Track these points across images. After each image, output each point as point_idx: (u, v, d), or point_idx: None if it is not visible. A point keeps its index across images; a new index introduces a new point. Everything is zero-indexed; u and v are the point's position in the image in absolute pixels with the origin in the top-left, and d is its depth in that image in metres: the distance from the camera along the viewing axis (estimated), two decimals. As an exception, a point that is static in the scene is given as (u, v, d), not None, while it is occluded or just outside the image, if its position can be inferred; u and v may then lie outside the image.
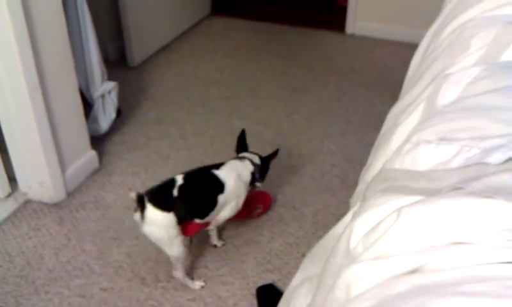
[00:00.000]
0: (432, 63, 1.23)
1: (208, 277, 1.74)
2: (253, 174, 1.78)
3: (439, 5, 1.74)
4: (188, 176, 1.64)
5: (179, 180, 1.61)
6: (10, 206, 2.02)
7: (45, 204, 2.04)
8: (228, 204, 1.71)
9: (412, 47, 1.70)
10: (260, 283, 1.71)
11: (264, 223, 1.97)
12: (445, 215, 0.63)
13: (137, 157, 2.36)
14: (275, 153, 1.88)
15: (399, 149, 0.90)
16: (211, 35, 3.70)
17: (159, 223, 1.55)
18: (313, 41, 3.61)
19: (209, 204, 1.66)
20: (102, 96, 2.35)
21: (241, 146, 1.88)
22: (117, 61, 3.17)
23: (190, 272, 1.75)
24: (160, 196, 1.57)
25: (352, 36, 3.67)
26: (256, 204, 1.99)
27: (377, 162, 1.06)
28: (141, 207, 1.52)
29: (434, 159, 0.79)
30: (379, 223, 0.70)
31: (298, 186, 2.17)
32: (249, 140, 2.47)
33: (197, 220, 1.67)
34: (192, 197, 1.63)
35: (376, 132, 1.37)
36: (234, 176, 1.71)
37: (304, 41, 3.60)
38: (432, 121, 0.90)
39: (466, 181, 0.67)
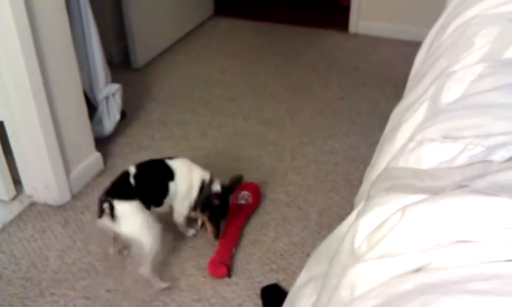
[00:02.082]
0: (436, 61, 1.23)
1: (213, 278, 1.74)
2: (202, 183, 1.78)
3: (442, 3, 1.73)
4: (140, 165, 1.70)
5: (132, 170, 1.67)
6: (15, 208, 2.03)
7: (50, 206, 2.05)
8: (180, 198, 1.75)
9: (415, 46, 1.70)
10: (265, 283, 1.71)
11: (268, 223, 1.97)
12: (450, 214, 0.63)
13: (142, 158, 2.34)
14: (237, 181, 1.87)
15: (403, 148, 0.90)
16: (214, 36, 3.70)
17: (131, 213, 1.59)
18: (316, 41, 3.61)
19: (162, 191, 1.71)
20: (106, 98, 2.35)
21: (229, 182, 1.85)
22: (121, 63, 3.18)
23: (160, 270, 1.74)
24: (121, 189, 1.63)
25: (356, 35, 3.67)
26: (241, 191, 2.01)
27: (381, 161, 1.06)
28: (110, 209, 1.56)
29: (438, 157, 0.79)
30: (383, 222, 0.70)
31: (302, 186, 2.17)
32: (253, 140, 2.48)
33: (155, 208, 1.70)
34: (146, 184, 1.68)
35: (380, 131, 1.36)
36: (186, 168, 1.77)
37: (307, 41, 3.60)
38: (436, 119, 0.90)
39: (470, 179, 0.67)
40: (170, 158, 1.78)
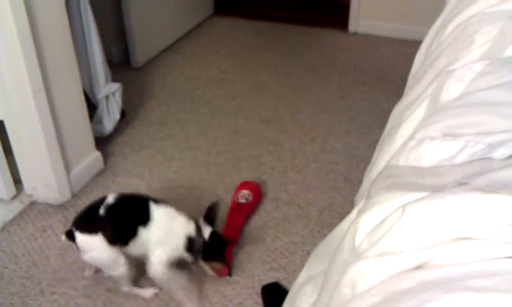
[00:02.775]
0: (436, 59, 1.23)
1: (213, 277, 1.74)
2: (189, 239, 1.61)
3: (442, 2, 1.73)
4: (120, 197, 1.59)
5: (110, 199, 1.56)
6: (16, 207, 2.03)
7: (51, 205, 2.05)
8: (153, 249, 1.58)
9: (415, 44, 1.70)
10: (266, 282, 1.71)
11: (268, 222, 1.97)
12: (450, 211, 0.63)
13: (142, 158, 2.36)
14: (214, 210, 1.73)
15: (403, 146, 0.90)
16: (214, 35, 3.70)
17: (92, 247, 1.54)
18: (316, 40, 3.61)
19: (129, 231, 1.56)
20: (106, 97, 2.35)
21: (208, 217, 1.69)
22: (121, 62, 3.18)
23: (138, 279, 1.71)
24: (86, 220, 1.57)
25: (355, 34, 3.67)
26: (241, 190, 2.01)
27: (381, 160, 1.06)
28: (71, 238, 1.54)
29: (438, 155, 0.79)
30: (384, 220, 0.70)
31: (302, 184, 2.17)
32: (253, 139, 2.48)
33: (123, 248, 1.57)
34: (115, 220, 1.56)
35: (380, 130, 1.36)
36: (166, 217, 1.60)
37: (307, 40, 3.60)
38: (436, 117, 0.90)
39: (471, 177, 0.67)
40: (156, 201, 1.61)
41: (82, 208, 1.63)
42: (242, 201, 2.00)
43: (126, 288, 1.65)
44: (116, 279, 1.64)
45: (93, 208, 1.57)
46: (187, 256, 1.63)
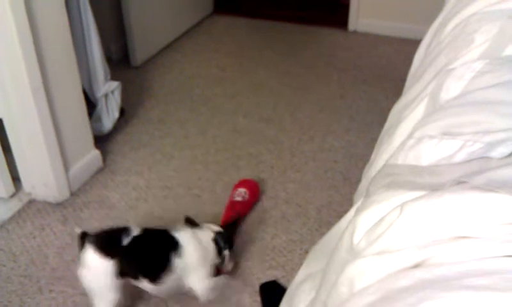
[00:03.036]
0: (436, 58, 1.23)
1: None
2: (215, 241, 1.62)
3: (441, 0, 1.73)
4: (147, 230, 1.52)
5: (135, 230, 1.48)
6: (14, 206, 2.03)
7: (49, 203, 2.05)
8: (193, 274, 1.54)
9: (415, 43, 1.70)
10: (264, 280, 1.71)
11: (267, 220, 1.97)
12: (449, 210, 0.63)
13: (141, 156, 2.36)
14: (236, 223, 1.79)
15: (402, 145, 0.90)
16: (214, 34, 3.70)
17: (97, 269, 1.44)
18: (315, 38, 3.61)
19: (161, 264, 1.48)
20: (105, 95, 2.35)
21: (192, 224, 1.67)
22: (120, 60, 3.18)
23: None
24: (106, 240, 1.46)
25: (355, 33, 3.67)
26: (238, 188, 2.02)
27: (380, 158, 1.06)
28: (82, 246, 1.44)
29: (437, 154, 0.79)
30: (382, 218, 0.70)
31: (301, 183, 2.17)
32: (253, 138, 2.48)
33: (145, 283, 1.49)
34: (144, 252, 1.50)
35: (379, 129, 1.36)
36: (193, 239, 1.56)
37: (306, 38, 3.60)
38: (435, 116, 0.90)
39: (469, 176, 0.67)
40: (178, 229, 1.57)
41: (105, 229, 1.52)
42: (238, 199, 1.99)
43: None
44: None
45: (115, 233, 1.48)
46: (217, 260, 1.62)
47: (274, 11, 4.05)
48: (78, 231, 1.46)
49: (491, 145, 0.73)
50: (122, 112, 2.49)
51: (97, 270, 1.44)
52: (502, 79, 0.91)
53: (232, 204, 1.97)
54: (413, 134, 0.89)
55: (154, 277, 1.48)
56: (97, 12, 2.26)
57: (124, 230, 1.48)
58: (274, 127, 2.57)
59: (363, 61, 3.26)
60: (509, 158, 0.69)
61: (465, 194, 0.63)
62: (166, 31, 3.42)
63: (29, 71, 1.78)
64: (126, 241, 1.45)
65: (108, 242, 1.46)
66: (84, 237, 1.45)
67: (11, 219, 1.98)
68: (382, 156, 1.04)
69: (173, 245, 1.51)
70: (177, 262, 1.49)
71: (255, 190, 2.06)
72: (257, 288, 1.69)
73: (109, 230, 1.52)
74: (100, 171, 2.25)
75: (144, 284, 1.50)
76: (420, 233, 0.63)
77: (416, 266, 0.60)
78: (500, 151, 0.70)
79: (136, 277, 1.48)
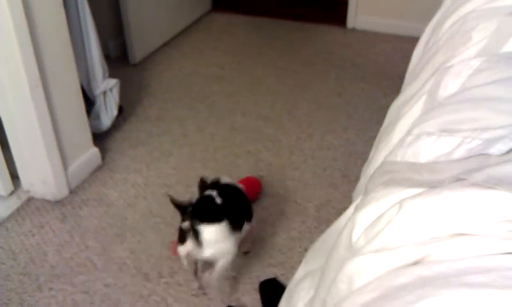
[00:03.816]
0: (434, 56, 1.23)
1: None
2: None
3: (440, -2, 1.73)
4: (220, 186, 1.60)
5: (214, 192, 1.55)
6: (13, 203, 2.03)
7: (48, 201, 2.05)
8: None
9: (413, 41, 1.70)
10: (263, 278, 1.71)
11: (266, 218, 1.97)
12: (447, 207, 0.63)
13: (139, 154, 2.36)
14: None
15: (400, 142, 0.90)
16: (212, 31, 3.69)
17: (218, 237, 1.49)
18: (314, 36, 3.61)
19: (241, 219, 1.60)
20: (104, 93, 2.35)
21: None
22: (118, 57, 3.17)
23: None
24: (208, 210, 1.52)
25: (353, 30, 3.67)
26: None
27: (379, 156, 1.06)
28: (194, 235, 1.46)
29: (436, 151, 0.79)
30: (381, 216, 0.70)
31: (300, 181, 2.18)
32: (251, 136, 2.48)
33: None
34: (233, 205, 1.58)
35: (378, 126, 1.36)
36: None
37: (305, 36, 3.60)
38: (433, 113, 0.90)
39: (468, 173, 0.67)
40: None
41: (195, 201, 1.54)
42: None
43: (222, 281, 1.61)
44: (223, 272, 1.55)
45: (206, 199, 1.54)
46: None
47: (273, 9, 4.04)
48: (185, 225, 1.47)
49: (490, 142, 0.73)
50: (120, 109, 2.49)
51: (218, 237, 1.49)
52: (500, 76, 0.91)
53: None
54: (412, 131, 0.89)
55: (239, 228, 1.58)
56: (95, 9, 2.26)
57: (208, 188, 1.57)
58: (273, 125, 2.57)
59: (362, 58, 3.26)
60: (508, 155, 0.69)
61: (464, 191, 0.63)
62: (164, 29, 3.41)
63: (27, 69, 1.78)
64: (219, 200, 1.53)
65: (209, 209, 1.52)
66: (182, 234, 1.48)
67: (10, 217, 1.98)
68: (381, 153, 1.04)
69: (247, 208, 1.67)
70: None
71: (254, 187, 2.06)
72: (257, 285, 1.69)
73: (201, 200, 1.56)
74: (98, 168, 2.25)
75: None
76: (419, 230, 0.63)
77: (415, 263, 0.60)
78: (498, 148, 0.71)
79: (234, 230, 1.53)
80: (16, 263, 1.78)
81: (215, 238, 1.48)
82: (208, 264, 1.57)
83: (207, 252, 1.48)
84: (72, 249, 1.84)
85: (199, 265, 1.63)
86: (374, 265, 0.63)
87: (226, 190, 1.59)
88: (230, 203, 1.55)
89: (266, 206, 2.03)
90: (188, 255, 1.52)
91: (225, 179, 1.66)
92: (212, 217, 1.48)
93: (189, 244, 1.47)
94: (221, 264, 1.52)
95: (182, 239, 1.49)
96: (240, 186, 1.69)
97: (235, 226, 1.53)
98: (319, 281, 0.81)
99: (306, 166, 2.27)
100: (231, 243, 1.51)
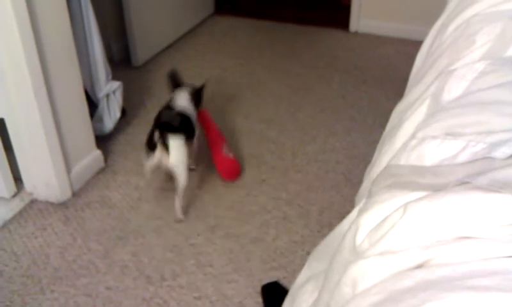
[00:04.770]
0: (437, 59, 1.23)
1: (213, 276, 1.74)
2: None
3: (443, 2, 1.73)
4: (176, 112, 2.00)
5: (173, 110, 2.00)
6: (16, 206, 2.03)
7: (51, 203, 2.05)
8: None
9: (416, 44, 1.70)
10: (266, 281, 1.71)
11: (268, 221, 1.97)
12: (451, 210, 0.63)
13: (142, 156, 2.36)
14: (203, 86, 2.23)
15: (404, 146, 0.90)
16: (215, 34, 3.70)
17: (181, 148, 1.91)
18: (317, 39, 3.61)
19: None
20: (107, 95, 2.35)
21: (174, 84, 2.21)
22: (121, 60, 3.18)
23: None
24: (172, 123, 1.92)
25: (356, 33, 3.67)
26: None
27: (382, 159, 1.05)
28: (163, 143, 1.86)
29: (440, 155, 0.79)
30: (385, 219, 0.70)
31: (303, 184, 2.17)
32: (253, 138, 2.48)
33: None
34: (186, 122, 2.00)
35: (381, 130, 1.36)
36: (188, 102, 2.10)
37: (308, 39, 3.60)
38: (437, 116, 0.90)
39: (472, 176, 0.67)
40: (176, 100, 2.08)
41: (160, 113, 2.00)
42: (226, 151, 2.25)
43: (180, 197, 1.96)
44: (183, 183, 1.93)
45: (170, 120, 1.94)
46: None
47: (275, 12, 4.05)
48: (157, 138, 1.87)
49: (494, 145, 0.73)
50: (123, 112, 2.50)
51: (181, 148, 1.90)
52: (504, 80, 0.91)
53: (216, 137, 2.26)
54: (416, 135, 0.89)
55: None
56: (98, 12, 2.27)
57: (169, 108, 2.03)
58: (276, 128, 2.57)
59: (365, 61, 3.26)
60: (512, 159, 0.69)
61: (468, 195, 0.63)
62: (167, 31, 3.42)
63: (31, 72, 1.79)
64: (178, 116, 1.97)
65: (174, 122, 1.93)
66: (152, 144, 1.89)
67: (13, 219, 1.98)
68: (384, 157, 1.04)
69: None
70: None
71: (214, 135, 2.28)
72: (259, 289, 1.69)
73: (164, 113, 2.00)
74: (101, 171, 2.25)
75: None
76: (423, 233, 0.63)
77: (419, 266, 0.60)
78: (503, 152, 0.70)
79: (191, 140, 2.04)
80: (19, 266, 1.79)
81: (177, 146, 1.88)
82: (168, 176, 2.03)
83: (172, 157, 1.87)
84: (74, 251, 1.84)
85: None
86: (378, 268, 0.63)
87: (180, 113, 2.00)
88: (184, 123, 1.97)
89: (269, 208, 2.03)
90: (156, 165, 1.92)
91: (180, 104, 2.05)
92: (176, 131, 1.89)
93: (158, 153, 1.88)
94: (180, 174, 1.92)
95: (151, 149, 1.90)
96: (191, 113, 2.07)
97: (187, 140, 1.96)
98: (323, 285, 0.81)
99: (309, 169, 2.27)
100: (185, 153, 1.92)
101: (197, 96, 2.17)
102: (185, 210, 2.02)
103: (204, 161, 2.33)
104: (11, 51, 1.75)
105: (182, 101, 2.07)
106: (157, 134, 1.86)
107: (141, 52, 3.16)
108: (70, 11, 1.98)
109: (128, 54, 3.15)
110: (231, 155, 2.23)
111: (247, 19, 3.93)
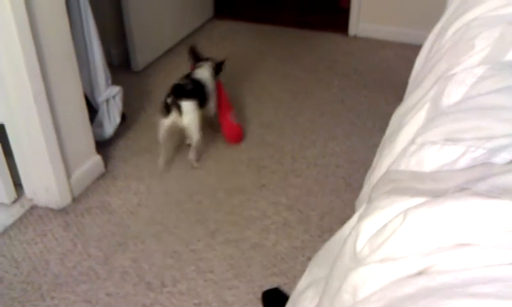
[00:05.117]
0: (436, 64, 1.23)
1: (214, 282, 1.74)
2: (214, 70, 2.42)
3: (442, 6, 1.73)
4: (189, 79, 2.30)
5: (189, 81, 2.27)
6: (16, 212, 2.03)
7: (51, 209, 2.05)
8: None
9: (416, 48, 1.69)
10: (266, 287, 1.71)
11: (268, 227, 1.97)
12: (452, 217, 0.62)
13: (142, 161, 2.36)
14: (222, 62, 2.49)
15: (404, 151, 0.90)
16: (214, 38, 3.70)
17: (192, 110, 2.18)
18: (316, 43, 3.61)
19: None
20: (107, 100, 2.35)
21: (196, 58, 2.47)
22: (121, 65, 3.18)
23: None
24: (185, 90, 2.19)
25: (356, 37, 3.67)
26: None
27: (382, 164, 1.05)
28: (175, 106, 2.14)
29: (439, 160, 0.79)
30: (385, 225, 0.69)
31: (303, 188, 2.17)
32: (253, 143, 2.48)
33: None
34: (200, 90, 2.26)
35: (381, 134, 1.36)
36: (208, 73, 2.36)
37: (307, 43, 3.60)
38: (437, 121, 0.89)
39: (472, 182, 0.67)
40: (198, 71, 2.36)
41: (175, 85, 2.20)
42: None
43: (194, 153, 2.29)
44: (196, 142, 2.24)
45: (183, 85, 2.22)
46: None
47: (275, 16, 4.05)
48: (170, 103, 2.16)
49: (494, 151, 0.73)
50: (123, 117, 2.50)
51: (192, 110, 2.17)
52: (504, 84, 0.91)
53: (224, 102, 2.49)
54: (415, 140, 0.88)
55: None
56: (98, 17, 2.27)
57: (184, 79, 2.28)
58: (275, 132, 2.57)
59: (364, 65, 3.26)
60: (512, 165, 0.69)
61: (468, 201, 0.62)
62: (166, 36, 3.42)
63: (31, 77, 1.79)
64: (190, 86, 2.23)
65: (186, 90, 2.20)
66: (167, 106, 2.16)
67: (13, 225, 1.98)
68: (384, 162, 1.04)
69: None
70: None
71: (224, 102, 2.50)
72: (260, 295, 1.68)
73: (177, 85, 2.21)
74: (101, 176, 2.25)
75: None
76: (424, 240, 0.63)
77: (419, 273, 0.60)
78: (502, 157, 0.70)
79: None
80: (19, 272, 1.78)
81: (189, 109, 2.14)
82: (183, 136, 2.31)
83: (185, 119, 2.15)
84: (74, 257, 1.84)
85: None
86: (379, 275, 0.63)
87: (195, 82, 2.26)
88: (197, 90, 2.22)
89: (268, 214, 2.03)
90: (171, 126, 2.18)
91: (197, 74, 2.32)
92: (188, 96, 2.16)
93: (172, 115, 2.14)
94: (193, 134, 2.20)
95: (167, 112, 2.16)
96: (204, 81, 2.31)
97: (200, 104, 2.21)
98: (323, 291, 0.81)
99: (309, 173, 2.26)
100: (198, 115, 2.19)
101: (217, 68, 2.44)
102: (198, 158, 2.34)
103: (204, 164, 2.33)
104: (10, 56, 1.75)
105: (201, 72, 2.33)
106: (171, 98, 2.13)
107: (141, 56, 3.16)
108: (69, 16, 1.98)
109: (128, 58, 3.15)
110: (236, 122, 2.50)
111: (246, 23, 3.93)
